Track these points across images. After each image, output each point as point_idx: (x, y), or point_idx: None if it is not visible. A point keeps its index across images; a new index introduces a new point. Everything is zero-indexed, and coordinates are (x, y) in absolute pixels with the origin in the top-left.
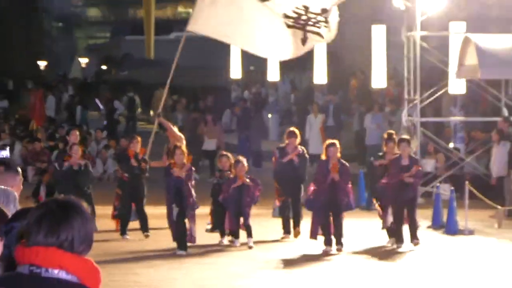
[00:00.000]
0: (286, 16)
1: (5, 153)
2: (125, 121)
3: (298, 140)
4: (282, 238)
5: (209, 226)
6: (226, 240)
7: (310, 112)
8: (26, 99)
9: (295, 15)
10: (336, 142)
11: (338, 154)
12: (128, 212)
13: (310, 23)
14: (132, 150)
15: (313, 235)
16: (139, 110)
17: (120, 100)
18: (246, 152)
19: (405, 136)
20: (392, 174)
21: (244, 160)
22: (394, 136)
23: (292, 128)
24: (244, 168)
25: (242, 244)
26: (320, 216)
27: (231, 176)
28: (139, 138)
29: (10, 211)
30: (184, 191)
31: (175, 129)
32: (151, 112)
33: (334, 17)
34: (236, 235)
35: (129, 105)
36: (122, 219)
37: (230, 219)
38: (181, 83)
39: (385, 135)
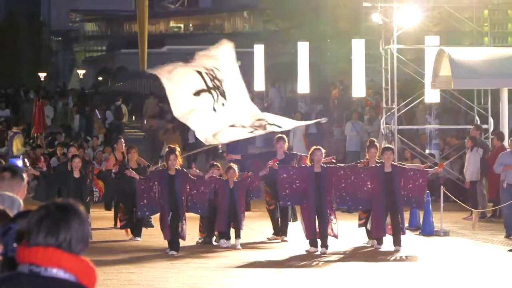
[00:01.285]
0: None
1: (19, 162)
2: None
3: (287, 145)
4: (269, 238)
5: (200, 240)
6: (215, 240)
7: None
8: (27, 108)
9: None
10: (321, 147)
11: (325, 159)
12: (132, 218)
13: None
14: (132, 162)
15: (309, 236)
16: (125, 119)
17: (110, 109)
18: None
19: (390, 146)
20: (373, 179)
21: (235, 166)
22: (376, 143)
23: (280, 134)
24: (235, 174)
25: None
26: (308, 218)
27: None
28: (136, 149)
29: None
30: (177, 193)
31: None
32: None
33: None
34: (227, 237)
35: (116, 114)
36: (132, 226)
37: (222, 220)
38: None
39: (367, 142)
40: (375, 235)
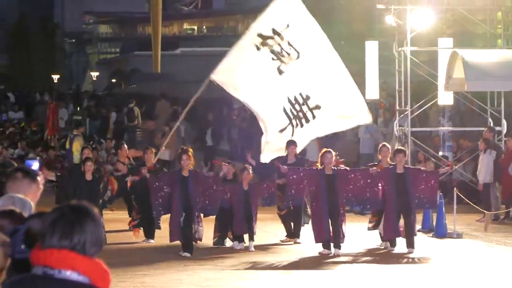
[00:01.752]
0: (288, 100)
1: (36, 165)
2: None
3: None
4: (282, 241)
5: (215, 239)
6: (228, 242)
7: None
8: (41, 110)
9: (293, 102)
10: (331, 150)
11: (334, 162)
12: (147, 219)
13: (299, 115)
14: (149, 162)
15: (318, 239)
16: (137, 121)
17: (122, 112)
18: (246, 160)
19: (402, 148)
20: (386, 181)
21: (249, 168)
22: (388, 146)
23: (291, 138)
24: (249, 175)
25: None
26: (320, 220)
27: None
28: (152, 149)
29: None
30: (191, 195)
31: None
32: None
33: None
34: (240, 239)
35: (128, 116)
36: (145, 227)
37: (239, 223)
38: (186, 96)
39: (380, 145)
40: (388, 237)
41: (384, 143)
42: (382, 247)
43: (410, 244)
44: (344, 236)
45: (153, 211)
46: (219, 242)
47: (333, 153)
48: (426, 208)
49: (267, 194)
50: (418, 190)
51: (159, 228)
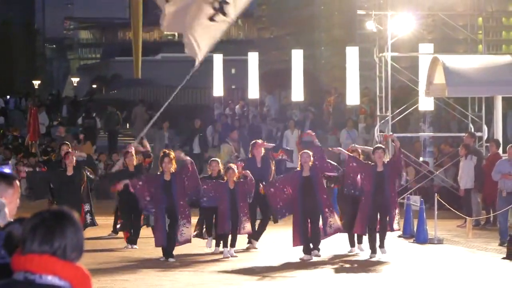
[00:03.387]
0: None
1: (7, 169)
2: (107, 136)
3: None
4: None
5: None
6: (211, 244)
7: (288, 128)
8: (21, 116)
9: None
10: (309, 151)
11: (310, 163)
12: (130, 223)
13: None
14: (131, 166)
15: (295, 243)
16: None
17: (101, 117)
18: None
19: (380, 145)
20: (367, 180)
21: (234, 167)
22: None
23: (258, 140)
24: (235, 174)
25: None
26: (298, 224)
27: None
28: (131, 152)
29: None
30: (175, 199)
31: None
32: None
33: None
34: (224, 239)
35: (107, 121)
36: (130, 230)
37: (222, 222)
38: (166, 102)
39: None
40: (358, 232)
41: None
42: (353, 253)
43: (382, 245)
44: (326, 235)
45: (144, 210)
46: (197, 235)
47: (310, 153)
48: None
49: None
50: (394, 182)
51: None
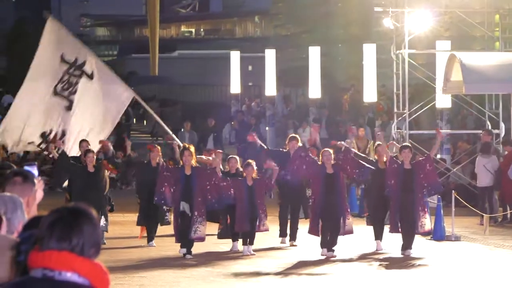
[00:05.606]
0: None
1: (35, 170)
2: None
3: (299, 144)
4: (281, 242)
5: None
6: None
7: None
8: None
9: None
10: (330, 149)
11: (332, 161)
12: (148, 219)
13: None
14: (154, 161)
15: (312, 231)
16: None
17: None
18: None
19: (407, 144)
20: (394, 179)
21: (253, 163)
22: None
23: (292, 134)
24: (253, 171)
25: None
26: (317, 220)
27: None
28: (159, 148)
29: (17, 217)
30: (193, 194)
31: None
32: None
33: None
34: (240, 237)
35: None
36: (147, 226)
37: (241, 220)
38: (182, 99)
39: (376, 144)
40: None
41: (405, 143)
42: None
43: (409, 245)
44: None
45: (155, 197)
46: (222, 235)
47: (331, 151)
48: (433, 195)
49: (268, 189)
50: (422, 182)
51: (169, 223)
